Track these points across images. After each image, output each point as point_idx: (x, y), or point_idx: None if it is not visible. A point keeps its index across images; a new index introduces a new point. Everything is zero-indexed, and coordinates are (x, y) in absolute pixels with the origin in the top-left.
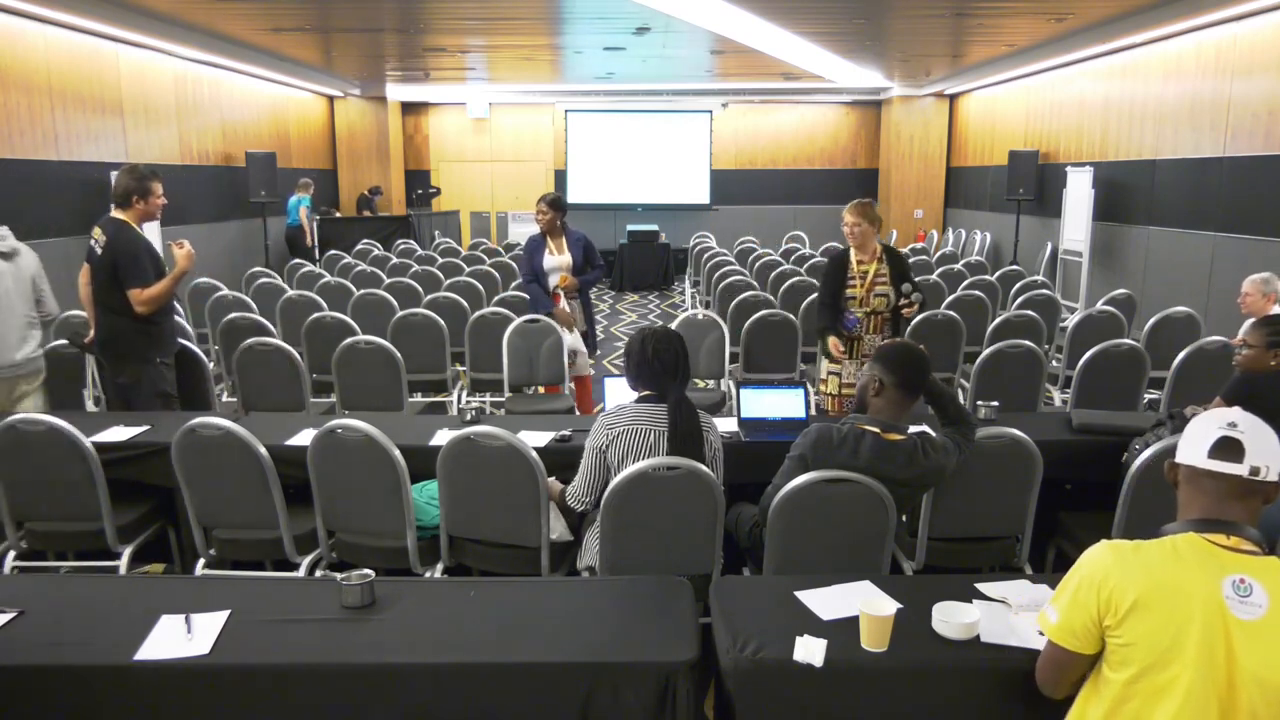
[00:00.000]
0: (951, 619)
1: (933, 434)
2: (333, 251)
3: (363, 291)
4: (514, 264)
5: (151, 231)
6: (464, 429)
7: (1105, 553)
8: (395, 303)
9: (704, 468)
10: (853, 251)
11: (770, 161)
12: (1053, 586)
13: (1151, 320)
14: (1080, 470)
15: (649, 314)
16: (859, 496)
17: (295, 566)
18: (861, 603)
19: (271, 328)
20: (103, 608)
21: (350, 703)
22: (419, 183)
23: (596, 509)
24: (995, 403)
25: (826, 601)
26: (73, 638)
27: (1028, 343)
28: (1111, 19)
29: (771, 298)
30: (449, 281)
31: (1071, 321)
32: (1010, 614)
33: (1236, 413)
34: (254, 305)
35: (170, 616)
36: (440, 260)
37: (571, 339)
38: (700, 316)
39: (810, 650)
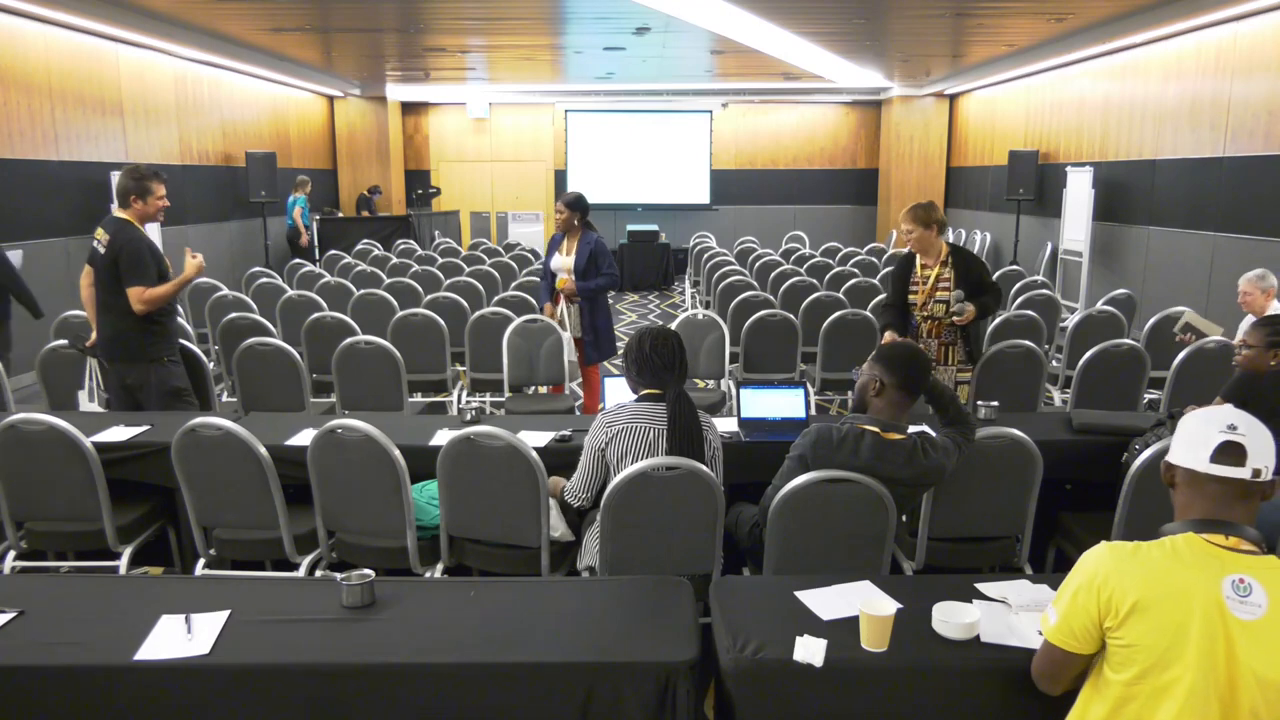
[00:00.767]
0: (951, 619)
1: (932, 434)
2: (333, 251)
3: (363, 291)
4: (514, 264)
5: (152, 231)
6: (464, 429)
7: (1104, 555)
8: (395, 303)
9: (704, 468)
10: (918, 255)
11: (770, 161)
12: (1053, 586)
13: (1151, 320)
14: (1080, 470)
15: (649, 314)
16: (859, 496)
17: (295, 566)
18: (861, 603)
19: (271, 328)
20: (103, 608)
21: (350, 703)
22: (419, 183)
23: (595, 508)
24: (995, 403)
25: (826, 601)
26: (73, 638)
27: (1028, 343)
28: (1111, 19)
29: (771, 298)
30: (449, 281)
31: (1071, 321)
32: (1010, 614)
33: (1233, 413)
34: (254, 305)
35: (170, 616)
36: (440, 260)
37: (566, 343)
38: (700, 316)
39: (810, 650)
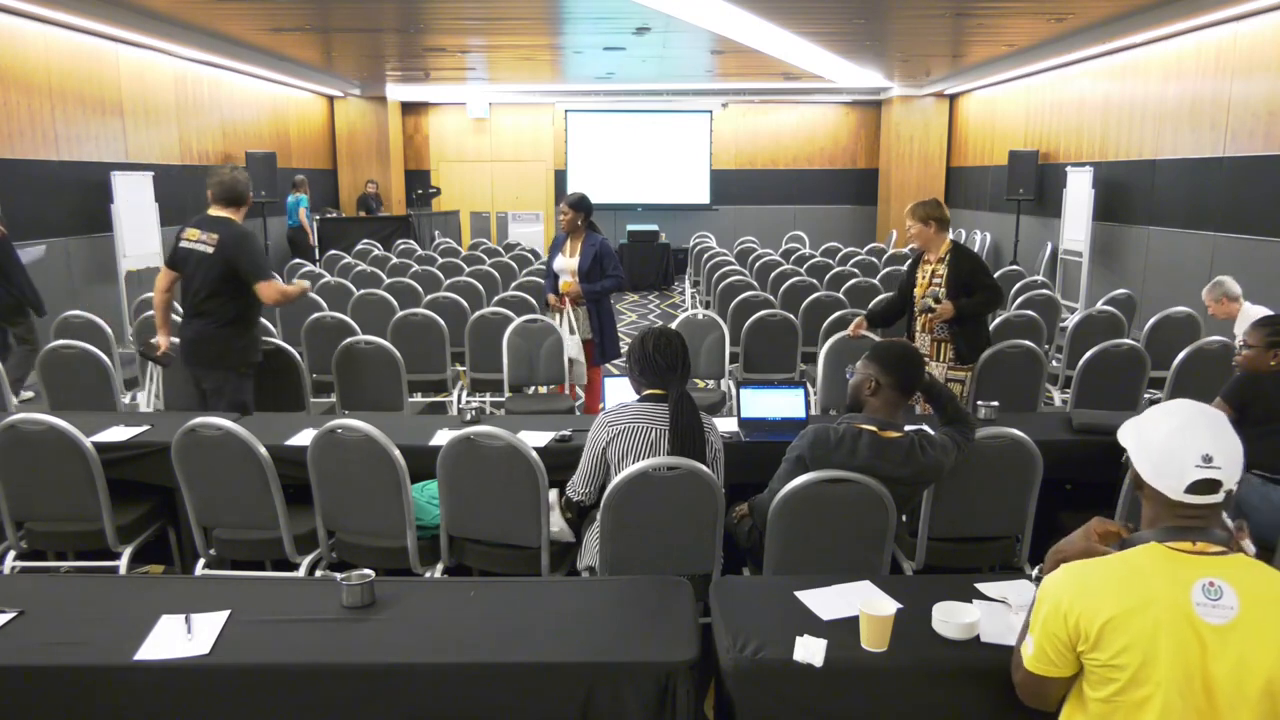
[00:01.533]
0: (951, 619)
1: (930, 432)
2: (333, 251)
3: (363, 291)
4: (514, 264)
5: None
6: (464, 429)
7: (1064, 582)
8: (395, 303)
9: (704, 468)
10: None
11: (770, 161)
12: None
13: (1151, 320)
14: (1080, 470)
15: (649, 314)
16: (859, 496)
17: (295, 566)
18: (861, 603)
19: (271, 328)
20: (103, 608)
21: (350, 703)
22: (419, 183)
23: (595, 507)
24: (995, 403)
25: (826, 601)
26: (73, 638)
27: (1028, 343)
28: (1111, 19)
29: (771, 298)
30: (449, 281)
31: (1071, 321)
32: (1010, 614)
33: (1206, 437)
34: None
35: (170, 616)
36: (440, 260)
37: (572, 346)
38: (700, 316)
39: (810, 650)
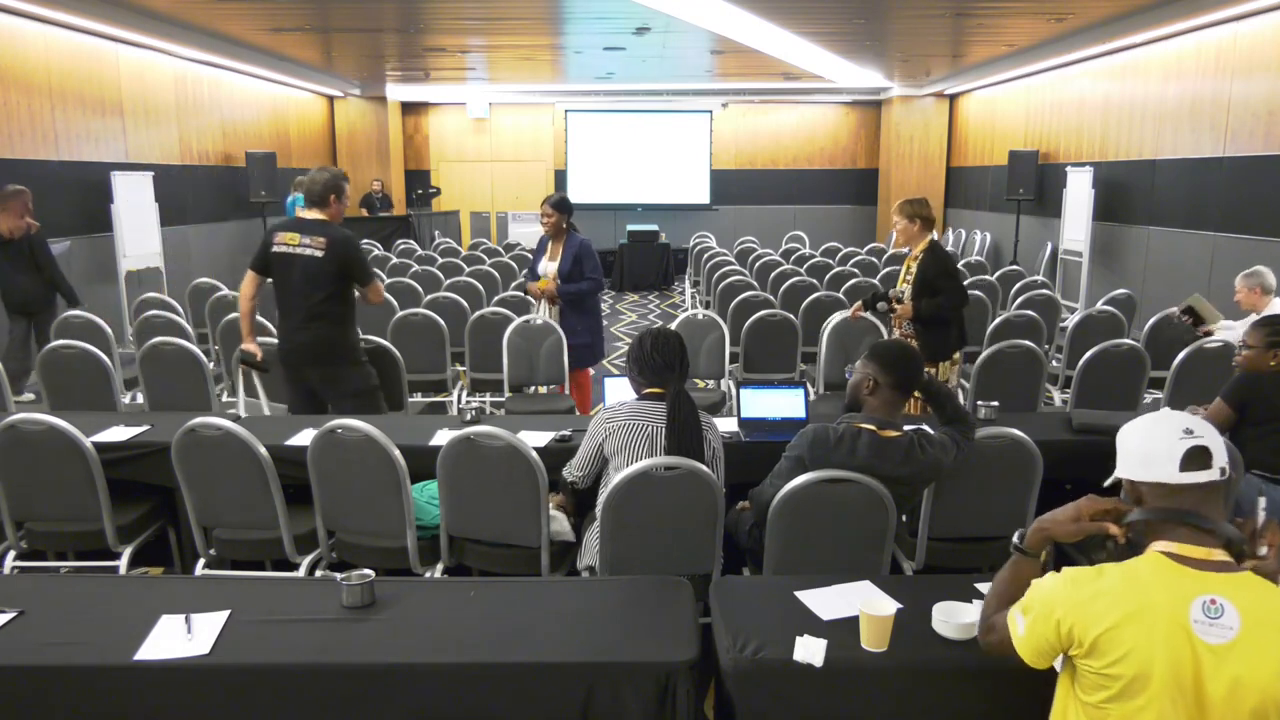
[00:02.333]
0: (951, 619)
1: (930, 431)
2: None
3: None
4: (514, 264)
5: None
6: (464, 429)
7: (1063, 590)
8: (395, 303)
9: (704, 468)
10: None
11: (770, 161)
12: None
13: (1151, 320)
14: (1080, 470)
15: (649, 314)
16: (858, 496)
17: (295, 566)
18: (861, 603)
19: (272, 328)
20: (103, 608)
21: (350, 703)
22: (419, 183)
23: (592, 496)
24: (995, 403)
25: (826, 601)
26: (73, 638)
27: (1028, 343)
28: (1111, 19)
29: (771, 298)
30: (449, 281)
31: (1071, 321)
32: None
33: (1180, 416)
34: None
35: (170, 616)
36: (440, 260)
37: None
38: (700, 316)
39: (810, 650)
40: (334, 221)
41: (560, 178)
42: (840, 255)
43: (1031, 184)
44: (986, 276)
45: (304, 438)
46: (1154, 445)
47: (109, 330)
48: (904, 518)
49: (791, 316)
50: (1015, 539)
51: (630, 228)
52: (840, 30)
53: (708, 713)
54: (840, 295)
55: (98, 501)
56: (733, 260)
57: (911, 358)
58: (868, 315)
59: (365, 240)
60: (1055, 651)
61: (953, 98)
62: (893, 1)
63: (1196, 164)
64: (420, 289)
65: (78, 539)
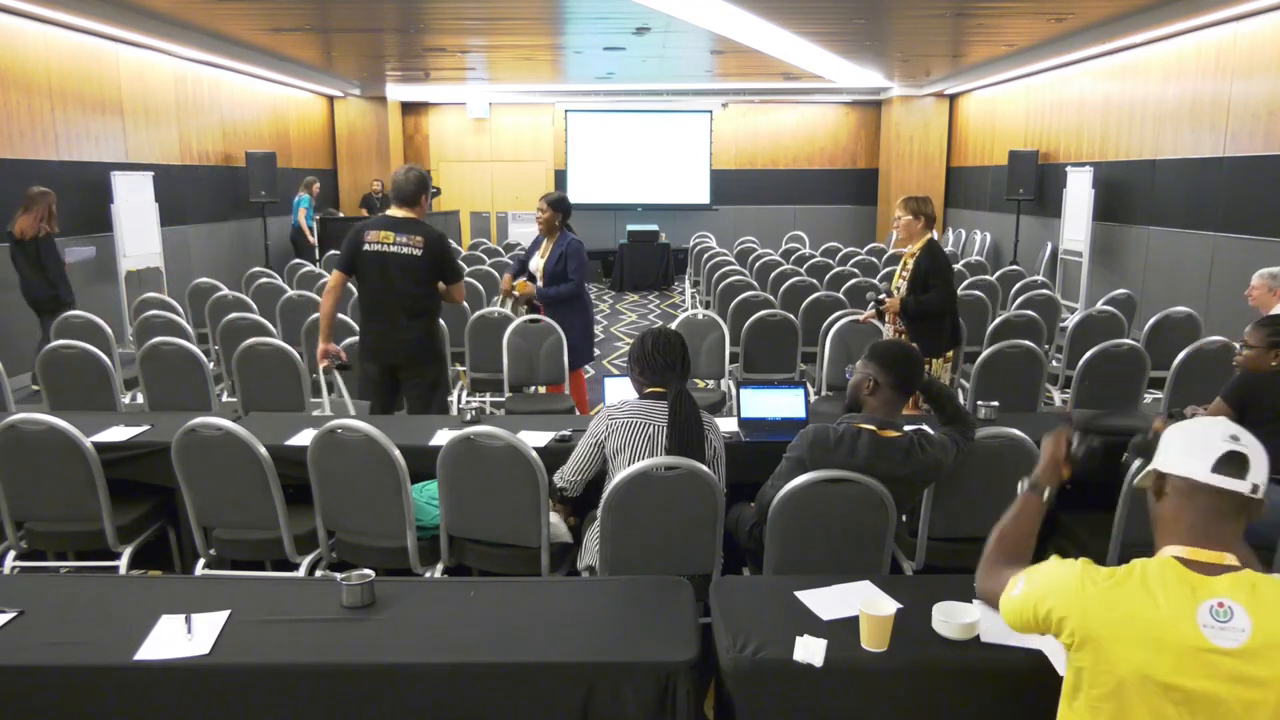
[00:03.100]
0: (951, 619)
1: (930, 431)
2: (333, 251)
3: None
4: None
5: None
6: (464, 429)
7: (1072, 582)
8: None
9: (704, 468)
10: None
11: (770, 161)
12: None
13: (1151, 320)
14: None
15: (649, 314)
16: (859, 496)
17: (295, 566)
18: (861, 603)
19: (271, 328)
20: (103, 608)
21: (350, 703)
22: None
23: (594, 506)
24: (995, 403)
25: (826, 601)
26: (73, 638)
27: (1028, 343)
28: (1111, 19)
29: (771, 298)
30: None
31: (1071, 321)
32: None
33: (1232, 425)
34: (254, 305)
35: (170, 616)
36: None
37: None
38: (700, 316)
39: (810, 650)
40: (423, 221)
41: (560, 178)
42: (840, 255)
43: (1031, 184)
44: (986, 276)
45: (304, 438)
46: (1197, 440)
47: (109, 330)
48: (904, 518)
49: (791, 316)
50: (1023, 484)
51: (630, 228)
52: (840, 30)
53: (708, 713)
54: (840, 295)
55: (98, 501)
56: (733, 260)
57: (912, 358)
58: (876, 321)
59: None
60: (1032, 630)
61: (953, 98)
62: (893, 1)
63: (1196, 164)
64: None
65: (78, 539)
